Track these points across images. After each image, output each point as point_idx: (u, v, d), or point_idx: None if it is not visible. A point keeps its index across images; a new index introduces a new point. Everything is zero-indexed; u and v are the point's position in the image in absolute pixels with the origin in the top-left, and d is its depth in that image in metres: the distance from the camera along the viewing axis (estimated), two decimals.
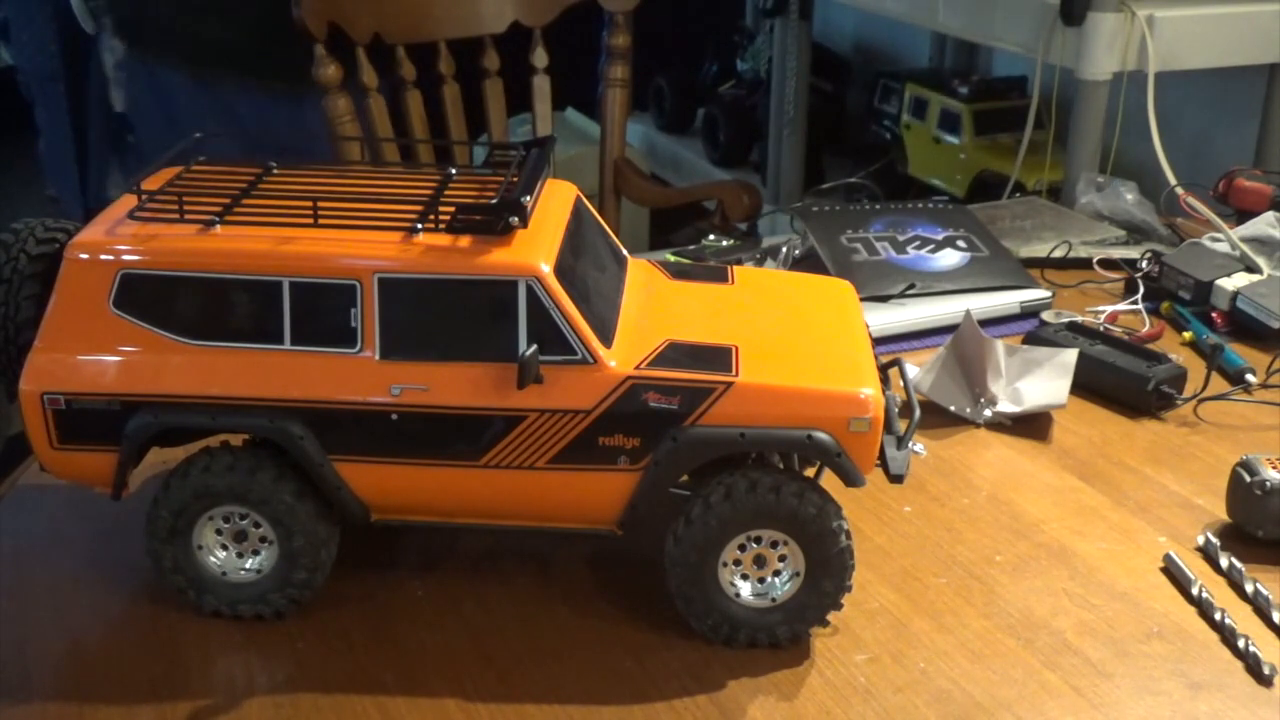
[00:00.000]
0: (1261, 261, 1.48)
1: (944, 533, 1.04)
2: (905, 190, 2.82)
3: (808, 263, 1.48)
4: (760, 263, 1.50)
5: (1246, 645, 0.91)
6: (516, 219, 0.87)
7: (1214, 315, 1.41)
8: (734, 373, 0.87)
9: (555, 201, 0.94)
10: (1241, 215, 1.63)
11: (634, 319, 0.92)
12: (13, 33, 2.07)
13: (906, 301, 1.41)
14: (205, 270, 0.86)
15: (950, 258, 1.47)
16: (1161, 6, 1.91)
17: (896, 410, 0.95)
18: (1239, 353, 1.32)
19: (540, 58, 1.92)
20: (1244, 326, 1.39)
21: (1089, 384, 1.25)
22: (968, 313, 1.23)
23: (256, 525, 0.90)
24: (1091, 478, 1.13)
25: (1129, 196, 1.68)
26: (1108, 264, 1.53)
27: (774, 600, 0.89)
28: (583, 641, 0.91)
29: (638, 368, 0.87)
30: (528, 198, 0.88)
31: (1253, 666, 0.90)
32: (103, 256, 0.87)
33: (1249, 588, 0.97)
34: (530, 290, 0.85)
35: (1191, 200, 1.63)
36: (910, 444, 0.93)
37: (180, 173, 0.97)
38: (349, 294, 0.86)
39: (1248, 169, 1.74)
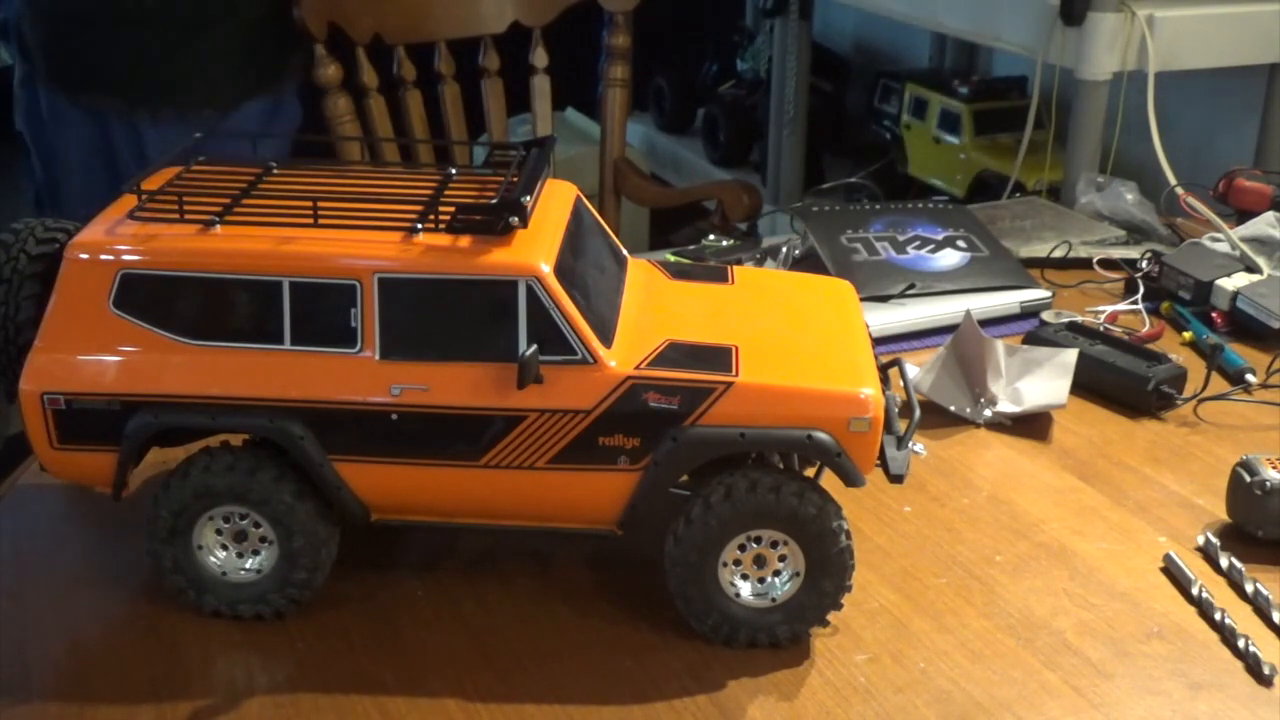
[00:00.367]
0: (1261, 261, 1.48)
1: (944, 533, 1.04)
2: (905, 190, 2.82)
3: (808, 263, 1.48)
4: (760, 263, 1.50)
5: (1246, 645, 0.91)
6: (516, 219, 0.87)
7: (1214, 315, 1.41)
8: (734, 373, 0.87)
9: (555, 201, 0.94)
10: (1241, 215, 1.63)
11: (634, 319, 0.92)
12: None
13: (906, 301, 1.41)
14: (205, 270, 0.86)
15: (950, 258, 1.47)
16: (1161, 6, 1.91)
17: (896, 410, 0.95)
18: (1239, 353, 1.32)
19: (540, 58, 1.92)
20: (1244, 326, 1.39)
21: (1089, 384, 1.25)
22: (968, 313, 1.23)
23: (256, 525, 0.90)
24: (1091, 478, 1.13)
25: (1129, 196, 1.68)
26: (1108, 264, 1.53)
27: (774, 600, 0.89)
28: (583, 641, 0.91)
29: (638, 368, 0.87)
30: (528, 198, 0.88)
31: (1253, 666, 0.90)
32: (103, 256, 0.87)
33: (1249, 588, 0.97)
34: (530, 290, 0.85)
35: (1191, 200, 1.63)
36: (910, 444, 0.93)
37: (180, 173, 0.97)
38: (349, 294, 0.86)
39: (1248, 169, 1.74)
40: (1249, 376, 1.29)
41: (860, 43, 3.42)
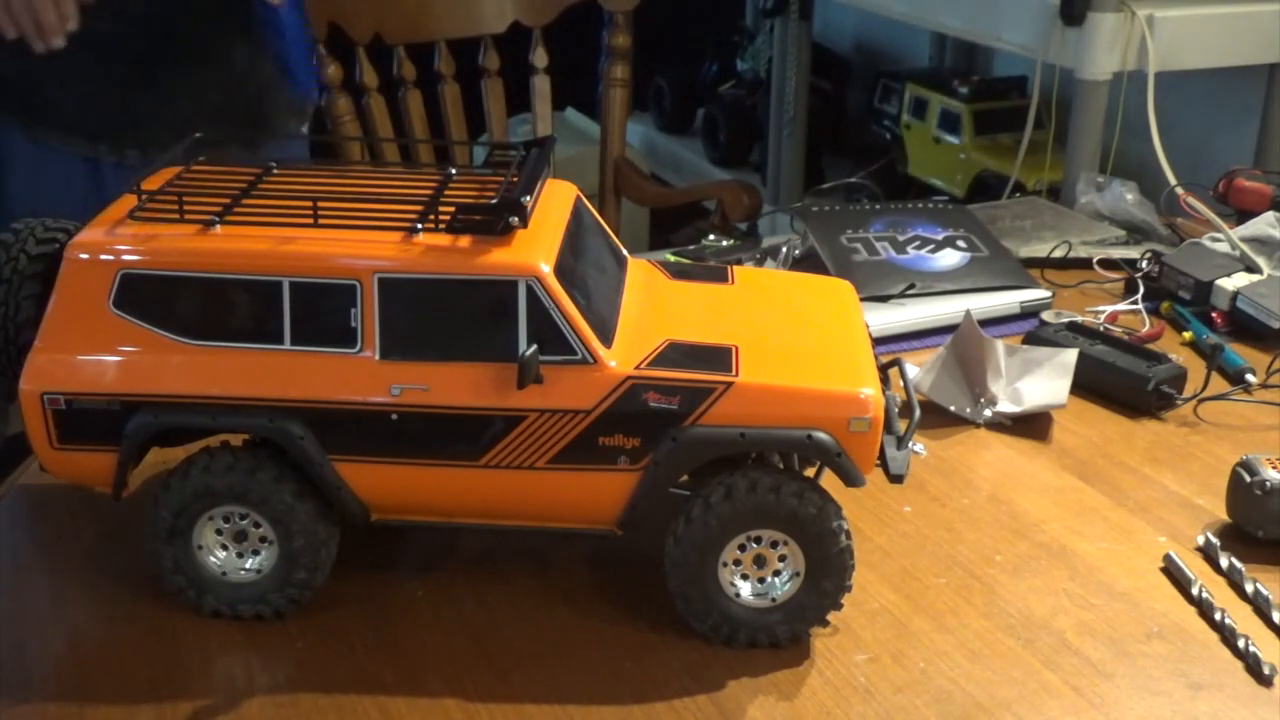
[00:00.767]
0: (1261, 261, 1.48)
1: (944, 533, 1.04)
2: (905, 190, 2.82)
3: (808, 263, 1.48)
4: (760, 263, 1.50)
5: (1246, 645, 0.91)
6: (516, 219, 0.87)
7: (1214, 315, 1.41)
8: (734, 373, 0.87)
9: (555, 201, 0.94)
10: (1241, 215, 1.63)
11: (634, 319, 0.92)
12: None
13: (906, 301, 1.41)
14: (205, 270, 0.86)
15: (950, 258, 1.47)
16: (1161, 6, 1.91)
17: (896, 410, 0.95)
18: (1239, 353, 1.32)
19: (540, 58, 1.92)
20: (1244, 326, 1.39)
21: (1089, 384, 1.25)
22: (968, 313, 1.23)
23: (256, 525, 0.90)
24: (1091, 478, 1.13)
25: (1129, 196, 1.68)
26: (1108, 264, 1.53)
27: (774, 600, 0.89)
28: (583, 641, 0.91)
29: (638, 368, 0.87)
30: (528, 198, 0.88)
31: (1253, 666, 0.90)
32: (103, 256, 0.87)
33: (1249, 588, 0.97)
34: (530, 290, 0.85)
35: (1191, 200, 1.63)
36: (910, 444, 0.93)
37: (180, 173, 0.97)
38: (349, 294, 0.86)
39: (1248, 169, 1.75)
40: (1249, 376, 1.29)
41: (860, 43, 3.42)
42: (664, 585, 0.90)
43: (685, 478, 0.90)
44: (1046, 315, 1.41)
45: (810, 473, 0.95)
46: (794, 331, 0.96)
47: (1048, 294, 1.44)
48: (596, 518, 0.90)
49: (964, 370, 1.22)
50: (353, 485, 0.89)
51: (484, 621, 0.92)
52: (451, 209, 0.88)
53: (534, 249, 0.86)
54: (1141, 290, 1.46)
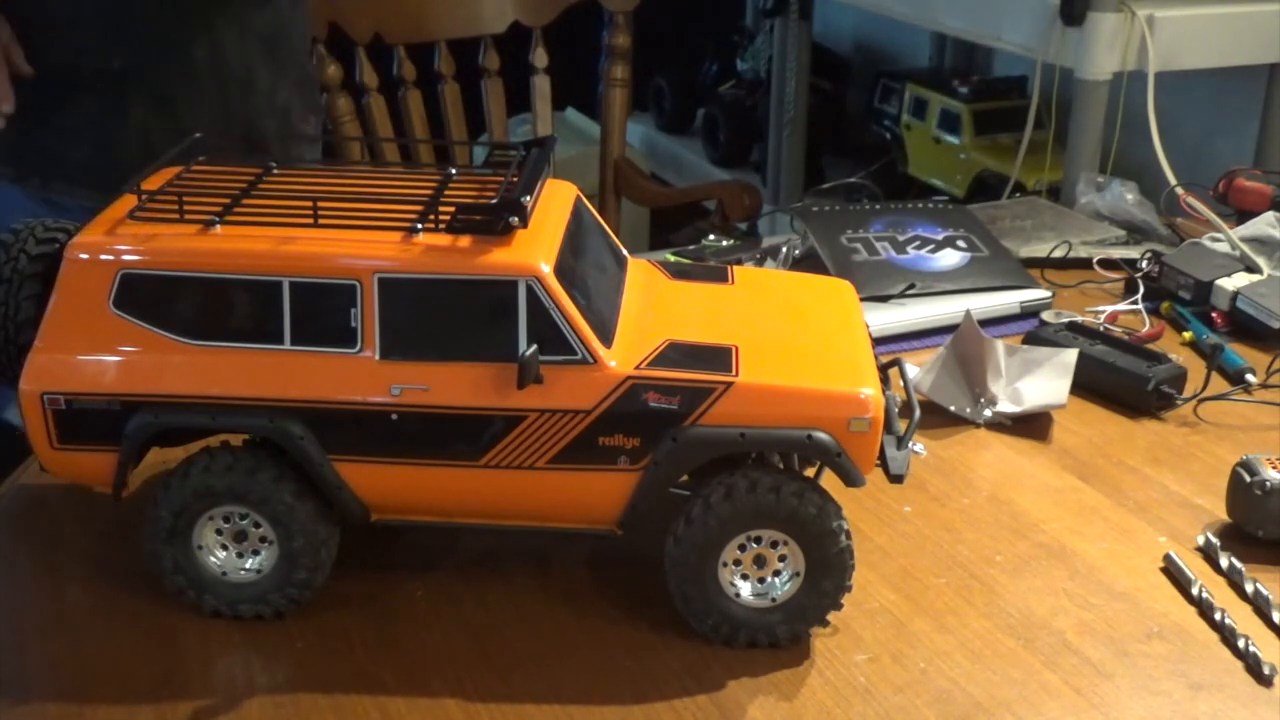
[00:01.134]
0: (1261, 261, 1.48)
1: (944, 533, 1.04)
2: (905, 190, 2.82)
3: (808, 263, 1.48)
4: (760, 263, 1.50)
5: (1246, 645, 0.91)
6: (516, 219, 0.87)
7: (1214, 315, 1.41)
8: (734, 373, 0.87)
9: (555, 201, 0.94)
10: (1241, 215, 1.63)
11: (634, 319, 0.92)
12: None
13: (906, 301, 1.41)
14: (205, 270, 0.86)
15: (950, 258, 1.47)
16: (1161, 6, 1.91)
17: (896, 410, 0.95)
18: (1239, 353, 1.32)
19: (540, 58, 1.92)
20: (1244, 326, 1.39)
21: (1089, 384, 1.25)
22: (968, 313, 1.23)
23: (256, 525, 0.90)
24: (1091, 478, 1.13)
25: (1129, 196, 1.68)
26: (1108, 264, 1.53)
27: (774, 600, 0.89)
28: (583, 641, 0.91)
29: (638, 368, 0.87)
30: (528, 198, 0.88)
31: (1253, 666, 0.90)
32: (103, 256, 0.87)
33: (1249, 588, 0.97)
34: (530, 290, 0.85)
35: (1191, 200, 1.63)
36: (910, 444, 0.93)
37: (180, 173, 0.97)
38: (349, 294, 0.86)
39: (1248, 169, 1.74)
40: (1249, 376, 1.29)
41: (860, 43, 3.42)
42: (664, 585, 0.90)
43: (685, 478, 0.90)
44: (1046, 315, 1.41)
45: (810, 473, 0.95)
46: (794, 331, 0.96)
47: (1048, 294, 1.44)
48: (596, 518, 0.90)
49: (964, 370, 1.22)
50: (353, 485, 0.89)
51: (484, 621, 0.92)
52: (451, 209, 0.88)
53: (534, 249, 0.86)
54: (1141, 290, 1.46)
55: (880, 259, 1.46)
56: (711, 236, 1.66)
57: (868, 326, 0.98)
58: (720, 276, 1.02)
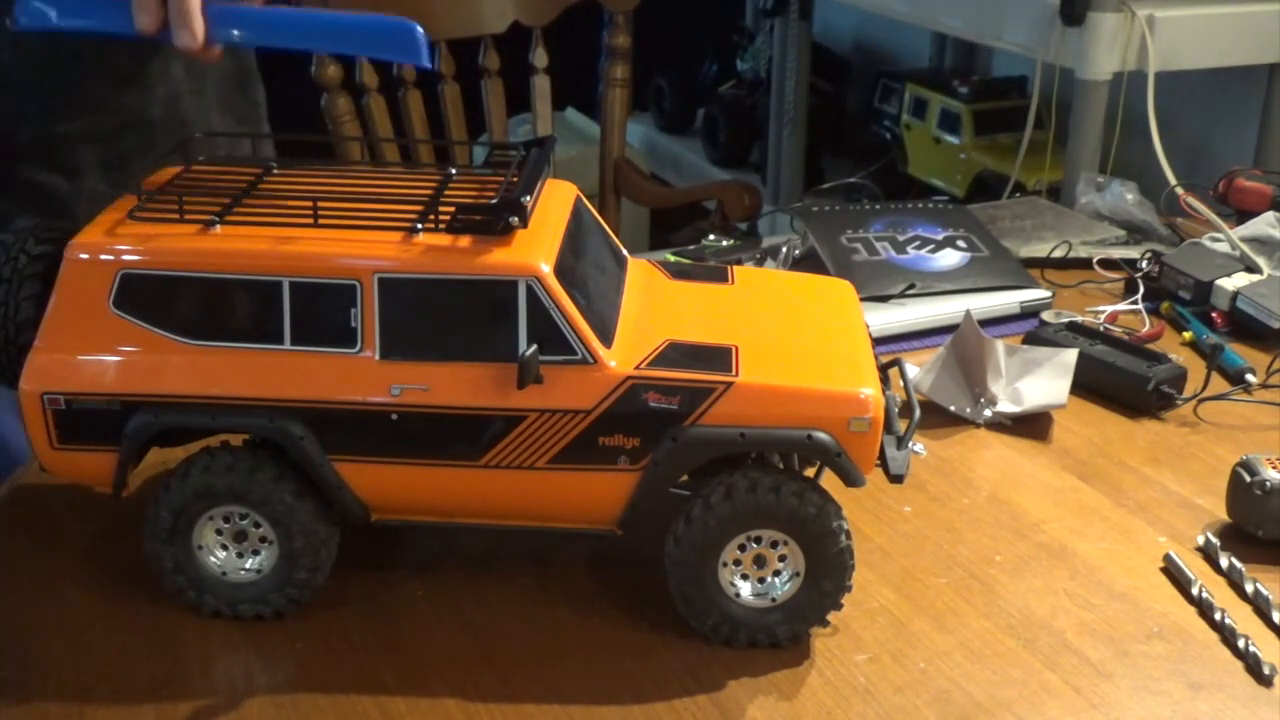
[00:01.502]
0: (1261, 261, 1.48)
1: (944, 533, 1.04)
2: (905, 190, 2.82)
3: (808, 263, 1.48)
4: (760, 263, 1.50)
5: (1246, 645, 0.91)
6: (516, 219, 0.87)
7: (1214, 315, 1.41)
8: (734, 373, 0.87)
9: (555, 201, 0.94)
10: (1241, 215, 1.63)
11: (634, 319, 0.92)
12: None
13: (906, 301, 1.41)
14: (205, 270, 0.86)
15: (950, 258, 1.47)
16: (1161, 6, 1.91)
17: (896, 410, 0.95)
18: (1239, 353, 1.32)
19: (540, 58, 1.92)
20: (1244, 326, 1.39)
21: (1089, 384, 1.25)
22: (968, 313, 1.23)
23: (256, 525, 0.90)
24: (1091, 478, 1.13)
25: (1129, 196, 1.68)
26: (1108, 264, 1.53)
27: (774, 600, 0.89)
28: (583, 641, 0.91)
29: (638, 368, 0.87)
30: (528, 198, 0.88)
31: (1253, 666, 0.90)
32: (103, 256, 0.87)
33: (1249, 588, 0.97)
34: (530, 290, 0.85)
35: (1191, 200, 1.63)
36: (910, 444, 0.93)
37: (180, 172, 0.97)
38: (349, 294, 0.86)
39: (1248, 169, 1.74)
40: (1249, 376, 1.29)
41: (860, 43, 3.42)
42: (664, 585, 0.90)
43: (685, 478, 0.90)
44: (1046, 315, 1.41)
45: (810, 473, 0.95)
46: (794, 331, 0.96)
47: (1048, 294, 1.44)
48: (596, 518, 0.90)
49: (964, 370, 1.22)
50: (353, 485, 0.89)
51: (484, 621, 0.92)
52: (451, 209, 0.88)
53: (534, 249, 0.86)
54: (1141, 290, 1.46)
55: (880, 259, 1.46)
56: (711, 236, 1.66)
57: (868, 326, 0.98)
58: (720, 276, 1.02)
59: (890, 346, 1.34)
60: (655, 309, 0.94)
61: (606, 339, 0.87)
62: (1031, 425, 1.21)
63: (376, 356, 0.86)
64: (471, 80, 1.89)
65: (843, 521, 0.88)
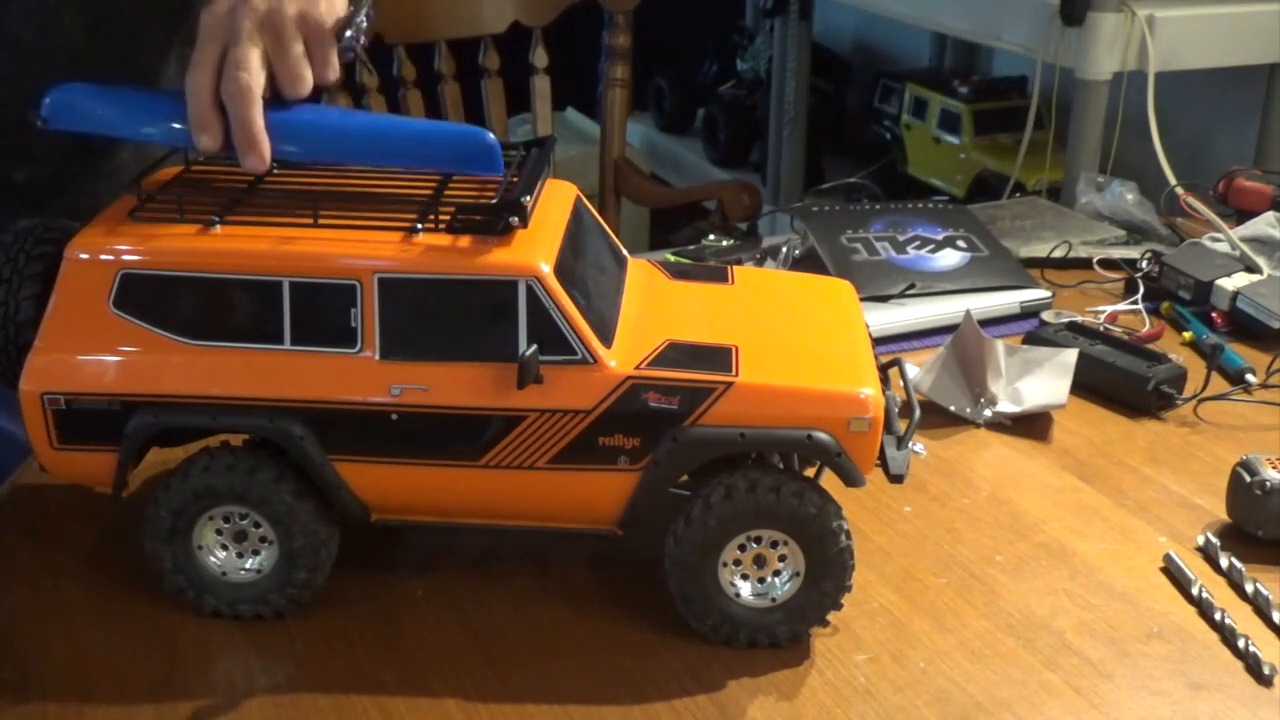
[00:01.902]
0: (1261, 261, 1.48)
1: (944, 533, 1.04)
2: (905, 190, 2.82)
3: (808, 263, 1.48)
4: (760, 263, 1.50)
5: (1246, 645, 0.91)
6: (516, 219, 0.87)
7: (1214, 315, 1.41)
8: (734, 373, 0.87)
9: (555, 201, 0.94)
10: (1241, 215, 1.63)
11: (634, 319, 0.92)
12: None
13: (906, 301, 1.41)
14: (205, 270, 0.86)
15: (950, 258, 1.47)
16: (1161, 6, 1.91)
17: (896, 410, 0.95)
18: (1239, 353, 1.32)
19: (540, 58, 1.92)
20: (1244, 326, 1.39)
21: (1089, 384, 1.25)
22: (968, 313, 1.23)
23: (256, 525, 0.90)
24: (1091, 478, 1.13)
25: (1129, 196, 1.68)
26: (1108, 264, 1.53)
27: (774, 600, 0.89)
28: (583, 641, 0.91)
29: (638, 368, 0.87)
30: (528, 198, 0.88)
31: (1253, 666, 0.90)
32: (103, 256, 0.87)
33: (1249, 588, 0.97)
34: (530, 290, 0.85)
35: (1191, 200, 1.63)
36: (910, 444, 0.93)
37: (180, 172, 0.97)
38: (349, 294, 0.86)
39: (1248, 169, 1.74)
40: (1249, 376, 1.29)
41: (860, 43, 3.42)
42: (664, 585, 0.90)
43: (685, 478, 0.90)
44: (1046, 315, 1.41)
45: (810, 473, 0.95)
46: (794, 331, 0.96)
47: (1048, 294, 1.44)
48: (596, 518, 0.90)
49: (964, 370, 1.22)
50: (353, 485, 0.89)
51: (484, 621, 0.92)
52: (451, 209, 0.88)
53: (534, 249, 0.86)
54: (1141, 290, 1.46)
55: (880, 259, 1.46)
56: (711, 236, 1.66)
57: (868, 326, 0.98)
58: (720, 276, 1.02)
59: (890, 346, 1.34)
60: (655, 309, 0.94)
61: (606, 339, 0.87)
62: (1031, 425, 1.21)
63: (376, 356, 0.86)
64: (471, 80, 1.89)
65: (843, 521, 0.88)
